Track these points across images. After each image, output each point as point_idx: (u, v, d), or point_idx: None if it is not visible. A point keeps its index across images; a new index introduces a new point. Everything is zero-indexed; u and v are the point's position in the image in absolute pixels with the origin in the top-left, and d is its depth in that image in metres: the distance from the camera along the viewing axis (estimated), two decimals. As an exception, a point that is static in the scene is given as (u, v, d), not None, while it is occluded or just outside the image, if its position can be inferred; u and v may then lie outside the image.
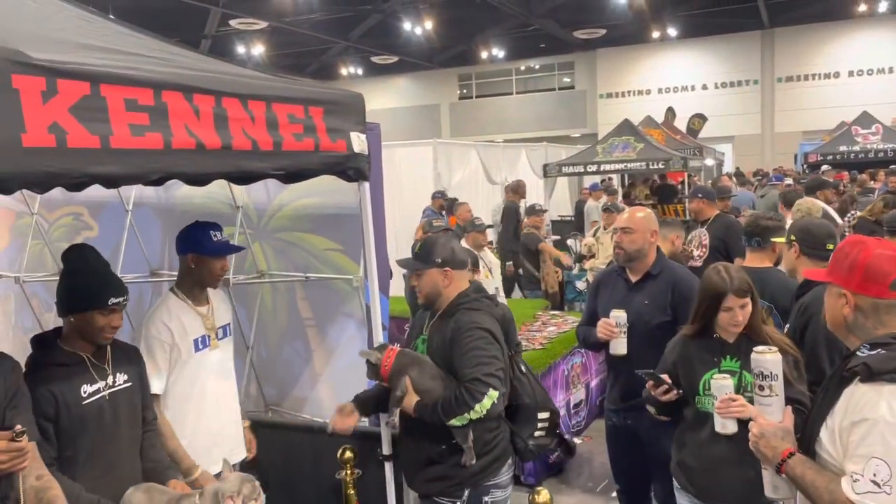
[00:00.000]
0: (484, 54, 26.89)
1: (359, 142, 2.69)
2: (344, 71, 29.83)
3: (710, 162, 18.67)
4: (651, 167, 13.13)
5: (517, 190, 10.10)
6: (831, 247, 3.11)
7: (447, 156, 11.03)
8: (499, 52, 26.93)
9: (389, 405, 2.76)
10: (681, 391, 2.73)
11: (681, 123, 22.76)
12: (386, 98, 31.33)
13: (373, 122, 3.76)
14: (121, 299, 2.39)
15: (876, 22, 22.90)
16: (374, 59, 26.76)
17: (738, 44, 24.94)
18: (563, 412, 5.05)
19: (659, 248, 3.50)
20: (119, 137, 1.87)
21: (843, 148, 15.50)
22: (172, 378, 2.90)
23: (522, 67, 29.51)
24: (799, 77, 24.46)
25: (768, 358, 2.15)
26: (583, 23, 22.93)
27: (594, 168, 13.65)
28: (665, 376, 2.74)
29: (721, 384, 2.47)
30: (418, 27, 21.45)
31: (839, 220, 6.76)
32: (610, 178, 15.99)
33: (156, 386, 2.81)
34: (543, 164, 13.69)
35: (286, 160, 2.40)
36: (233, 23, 20.04)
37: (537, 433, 2.90)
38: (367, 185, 2.84)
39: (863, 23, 23.06)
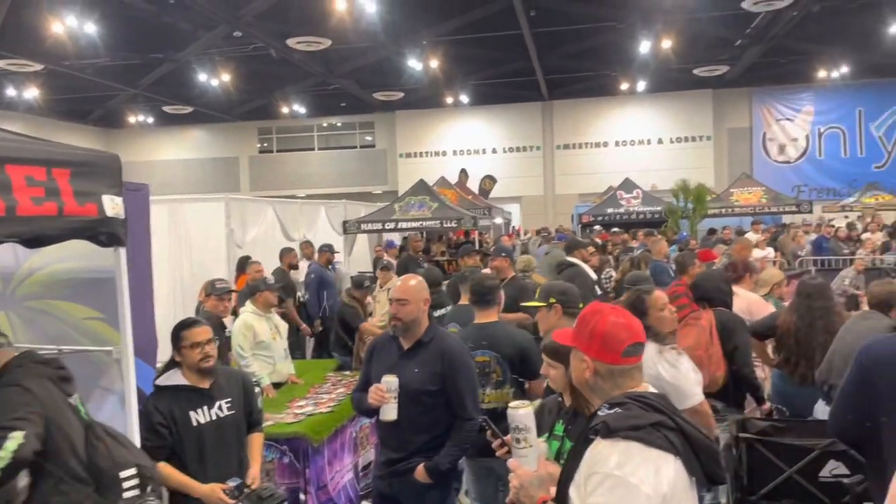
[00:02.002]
0: (285, 109, 26.76)
1: (112, 205, 2.54)
2: (132, 119, 28.15)
3: (498, 220, 19.96)
4: (445, 225, 13.74)
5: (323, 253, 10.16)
6: (582, 305, 3.42)
7: (241, 211, 10.67)
8: (300, 108, 26.97)
9: None
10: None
11: (474, 183, 24.15)
12: (179, 149, 29.98)
13: (140, 182, 3.58)
14: None
15: (637, 99, 26.13)
16: (167, 108, 25.58)
17: (523, 112, 27.14)
18: (350, 475, 5.00)
19: (431, 316, 3.63)
20: None
21: (610, 210, 17.28)
22: None
23: (325, 124, 29.76)
24: (575, 145, 27.07)
25: (521, 412, 2.24)
26: (381, 85, 23.71)
27: (392, 225, 14.01)
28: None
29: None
30: (214, 79, 20.90)
31: (594, 276, 7.50)
32: (406, 237, 16.49)
33: None
34: (343, 220, 13.80)
35: (21, 226, 2.20)
36: (1, 63, 18.20)
37: (128, 493, 2.68)
38: (122, 250, 2.67)
39: (626, 100, 26.19)
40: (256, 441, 3.66)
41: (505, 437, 2.47)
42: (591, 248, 8.42)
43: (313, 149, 29.67)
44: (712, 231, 14.71)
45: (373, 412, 3.50)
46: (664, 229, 15.15)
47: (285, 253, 9.81)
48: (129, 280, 2.89)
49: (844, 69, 22.71)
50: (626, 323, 2.04)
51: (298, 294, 9.94)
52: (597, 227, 16.00)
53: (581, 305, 3.44)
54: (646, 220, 16.56)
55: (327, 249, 10.57)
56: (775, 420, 4.33)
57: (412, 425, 3.39)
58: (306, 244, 11.16)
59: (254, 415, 3.65)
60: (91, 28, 15.83)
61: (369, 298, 8.18)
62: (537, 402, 3.04)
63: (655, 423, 1.85)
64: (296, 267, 9.75)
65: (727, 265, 6.03)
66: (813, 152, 25.76)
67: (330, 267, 10.34)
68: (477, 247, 12.35)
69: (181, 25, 16.93)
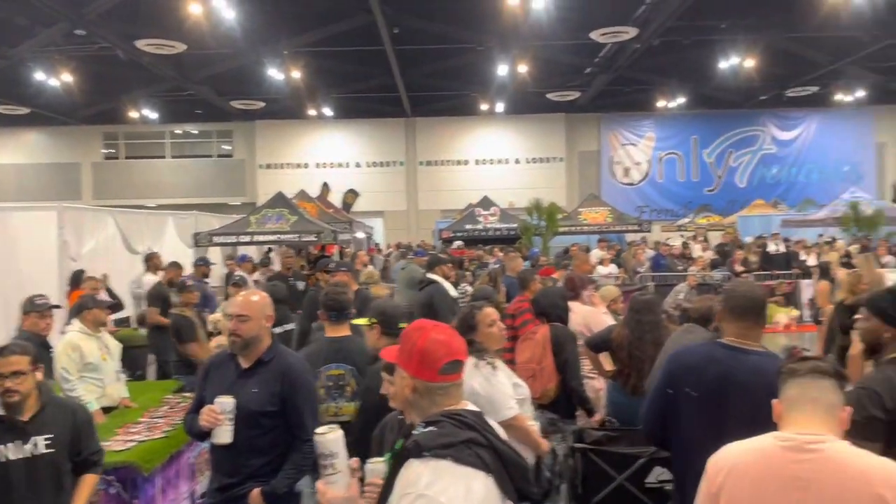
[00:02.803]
0: (134, 114, 25.25)
1: None
2: (-43, 118, 25.50)
3: (360, 235, 19.86)
4: (303, 239, 13.46)
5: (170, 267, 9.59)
6: (403, 325, 3.45)
7: (77, 221, 9.89)
8: (151, 114, 25.55)
9: None
10: None
11: (336, 197, 23.96)
12: (13, 153, 27.55)
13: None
14: None
15: (496, 120, 27.00)
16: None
17: (387, 128, 27.27)
18: (187, 503, 4.73)
19: (274, 334, 3.50)
20: None
21: (469, 226, 17.69)
22: None
23: (178, 131, 28.38)
24: (437, 162, 27.54)
25: (327, 438, 2.20)
26: (240, 94, 22.99)
27: (247, 239, 13.56)
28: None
29: (372, 468, 2.32)
30: (54, 79, 19.36)
31: (454, 293, 7.63)
32: (270, 250, 16.02)
33: None
34: (194, 233, 13.18)
35: None
36: None
37: None
38: None
39: (486, 120, 26.99)
40: (87, 483, 3.34)
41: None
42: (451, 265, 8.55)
43: (165, 156, 28.19)
44: (566, 250, 15.44)
45: (205, 435, 3.32)
46: (519, 245, 15.70)
47: (169, 268, 9.22)
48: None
49: (681, 99, 24.70)
50: (446, 340, 2.04)
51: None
52: (457, 243, 16.32)
53: (402, 326, 3.47)
54: (502, 237, 17.12)
55: (202, 263, 10.09)
56: (610, 430, 4.56)
57: (249, 448, 3.24)
58: (152, 256, 10.53)
59: (87, 455, 3.35)
60: None
61: (218, 316, 7.83)
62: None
63: (467, 440, 1.87)
64: (174, 284, 9.15)
65: (566, 280, 6.32)
66: (654, 176, 27.76)
67: (205, 281, 9.90)
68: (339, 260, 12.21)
69: (17, 21, 15.60)
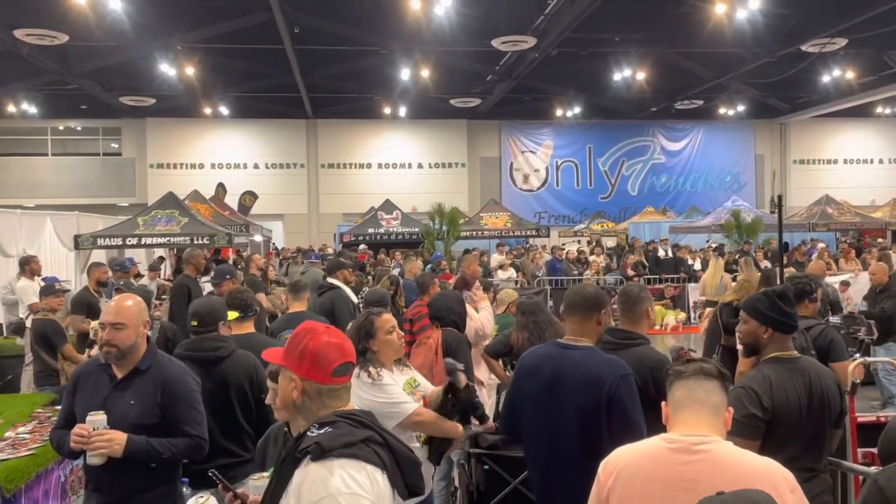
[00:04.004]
0: (11, 108, 23.55)
1: None
2: None
3: (257, 238, 19.30)
4: (195, 242, 12.88)
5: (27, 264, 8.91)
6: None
7: (-61, 223, 9.13)
8: (30, 108, 23.90)
9: None
10: None
11: (233, 199, 23.17)
12: None
13: None
14: None
15: (399, 124, 26.95)
16: None
17: (287, 129, 26.69)
18: (58, 526, 4.37)
19: (150, 340, 3.27)
20: None
21: (371, 230, 17.57)
22: None
23: (61, 127, 26.70)
24: (339, 165, 27.20)
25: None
26: (129, 89, 21.88)
27: (134, 241, 12.86)
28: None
29: (257, 484, 2.28)
30: (-84, 66, 17.78)
31: (354, 298, 7.49)
32: (156, 253, 15.29)
33: None
34: (75, 234, 12.38)
35: None
36: None
37: None
38: None
39: (389, 124, 26.89)
40: None
41: (238, 491, 2.39)
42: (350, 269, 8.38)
43: (47, 154, 26.45)
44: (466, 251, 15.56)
45: (77, 454, 3.07)
46: (421, 250, 15.70)
47: (93, 268, 8.49)
48: None
49: (577, 109, 25.52)
50: (338, 343, 2.03)
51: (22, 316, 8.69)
52: (362, 247, 16.12)
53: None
54: (404, 241, 17.09)
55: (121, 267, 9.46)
56: (504, 434, 4.56)
57: (128, 464, 2.99)
58: (29, 260, 9.73)
59: None
60: None
61: (94, 324, 7.32)
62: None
63: (366, 438, 1.89)
64: (105, 284, 8.43)
65: (457, 281, 6.37)
66: (552, 183, 28.53)
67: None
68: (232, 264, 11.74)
69: None
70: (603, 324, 3.21)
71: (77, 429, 2.94)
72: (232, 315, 4.26)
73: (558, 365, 3.10)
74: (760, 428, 2.87)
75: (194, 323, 3.88)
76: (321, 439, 1.84)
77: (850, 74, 20.83)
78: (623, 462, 2.19)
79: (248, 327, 4.44)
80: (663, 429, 2.22)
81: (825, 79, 21.31)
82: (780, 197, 7.35)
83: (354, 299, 7.51)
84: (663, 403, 2.25)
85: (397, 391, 3.31)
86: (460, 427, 3.38)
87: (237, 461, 3.65)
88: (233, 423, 3.73)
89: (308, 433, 1.90)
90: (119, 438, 2.93)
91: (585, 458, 2.88)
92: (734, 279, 9.34)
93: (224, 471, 3.18)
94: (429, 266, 11.93)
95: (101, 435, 2.92)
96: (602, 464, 2.24)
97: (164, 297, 10.21)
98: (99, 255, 13.68)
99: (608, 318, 3.28)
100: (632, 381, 3.01)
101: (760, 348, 3.08)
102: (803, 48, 17.76)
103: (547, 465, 3.12)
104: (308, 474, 1.82)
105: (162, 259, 15.27)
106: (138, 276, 11.59)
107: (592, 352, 3.11)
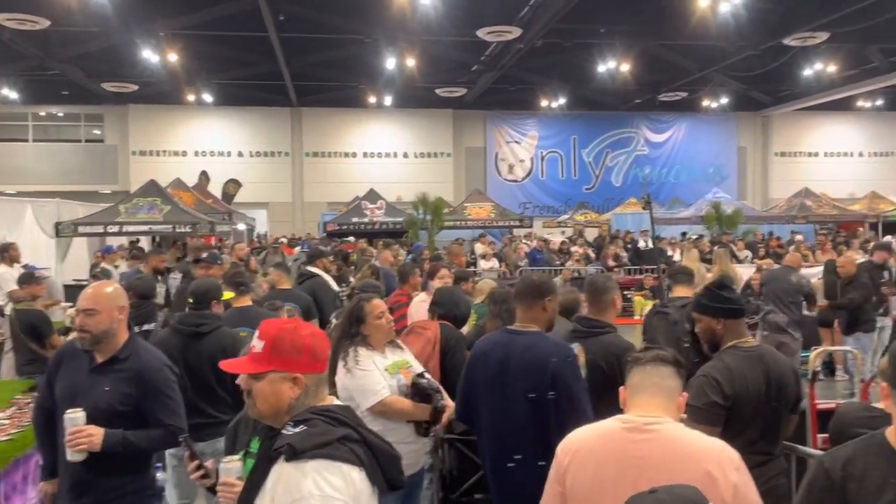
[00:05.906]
0: (-8, 93, 23.29)
1: None
2: None
3: (241, 226, 19.27)
4: (178, 230, 12.90)
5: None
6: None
7: (-83, 209, 9.07)
8: (11, 94, 23.60)
9: None
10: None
11: (216, 187, 23.08)
12: None
13: None
14: None
15: (384, 113, 26.87)
16: None
17: (271, 117, 26.54)
18: (36, 510, 4.41)
19: (131, 327, 3.28)
20: None
21: (355, 219, 17.57)
22: None
23: (42, 113, 26.41)
24: (324, 153, 27.10)
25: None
26: (112, 75, 21.66)
27: (116, 229, 12.86)
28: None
29: (227, 467, 2.20)
30: None
31: (336, 288, 7.55)
32: (137, 240, 15.22)
33: None
34: (56, 221, 12.34)
35: None
36: None
37: None
38: None
39: (374, 113, 26.80)
40: None
41: (205, 463, 2.37)
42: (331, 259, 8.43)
43: (28, 140, 26.17)
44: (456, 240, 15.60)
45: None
46: (405, 239, 15.75)
47: (151, 255, 8.50)
48: None
49: (562, 100, 25.58)
50: (319, 333, 2.07)
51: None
52: (351, 239, 16.10)
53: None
54: (389, 231, 17.10)
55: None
56: (459, 420, 4.62)
57: (106, 459, 2.97)
58: (8, 247, 9.70)
59: None
60: None
61: (71, 310, 7.33)
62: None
63: (342, 437, 1.85)
64: (161, 272, 8.35)
65: (429, 269, 6.42)
66: (536, 173, 28.62)
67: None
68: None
69: None
70: (549, 310, 3.33)
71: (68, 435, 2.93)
72: (227, 295, 4.97)
73: (507, 351, 3.23)
74: (721, 415, 2.98)
75: (190, 300, 4.40)
76: (294, 440, 1.81)
77: (831, 68, 21.05)
78: (580, 441, 2.29)
79: (246, 301, 5.16)
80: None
81: (807, 72, 21.52)
82: (648, 194, 7.51)
83: (335, 287, 7.58)
84: (622, 388, 2.35)
85: (373, 378, 3.40)
86: (428, 407, 3.49)
87: (212, 422, 4.05)
88: (210, 390, 4.15)
89: (283, 431, 1.88)
90: (97, 433, 2.96)
91: (535, 439, 3.05)
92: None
93: (199, 430, 3.65)
94: (410, 256, 11.99)
95: (80, 431, 2.96)
96: (560, 444, 2.33)
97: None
98: (80, 243, 13.64)
99: (555, 305, 3.40)
100: (576, 363, 3.18)
101: (719, 340, 3.19)
102: (786, 42, 17.93)
103: (499, 447, 3.23)
104: (282, 475, 1.81)
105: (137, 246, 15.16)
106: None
107: (539, 336, 3.24)
